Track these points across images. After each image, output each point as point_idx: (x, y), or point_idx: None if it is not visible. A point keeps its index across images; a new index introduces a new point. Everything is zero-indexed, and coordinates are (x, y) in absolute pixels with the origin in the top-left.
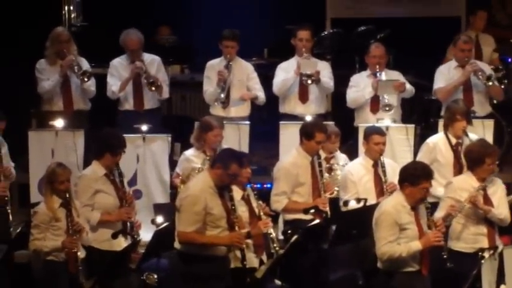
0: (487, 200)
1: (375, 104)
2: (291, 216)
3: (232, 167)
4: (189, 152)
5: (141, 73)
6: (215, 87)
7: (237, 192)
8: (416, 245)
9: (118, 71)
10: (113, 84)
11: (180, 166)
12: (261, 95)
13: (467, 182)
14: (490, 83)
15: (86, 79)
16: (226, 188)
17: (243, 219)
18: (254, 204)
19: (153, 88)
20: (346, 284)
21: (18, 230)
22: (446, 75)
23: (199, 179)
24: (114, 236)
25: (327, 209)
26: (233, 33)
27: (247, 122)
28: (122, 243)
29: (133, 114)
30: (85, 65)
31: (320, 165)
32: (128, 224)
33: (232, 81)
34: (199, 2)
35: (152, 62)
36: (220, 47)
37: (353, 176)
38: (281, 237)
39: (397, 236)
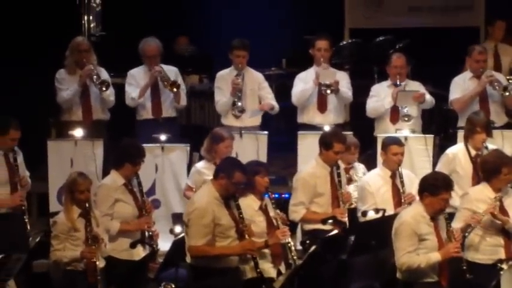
0: (504, 211)
1: (395, 114)
2: (309, 227)
3: (236, 176)
4: (200, 165)
5: (160, 77)
6: (229, 97)
7: (254, 202)
8: (436, 256)
9: (136, 79)
10: (132, 92)
11: (192, 179)
12: (275, 104)
13: (484, 193)
14: (507, 94)
15: (104, 89)
16: (232, 198)
17: (261, 229)
18: (272, 213)
19: (174, 89)
20: None
21: (37, 240)
22: (461, 86)
23: (203, 191)
24: (133, 245)
25: (346, 219)
26: (243, 43)
27: (265, 132)
28: (140, 252)
29: (151, 123)
30: (104, 75)
31: (339, 175)
32: (147, 233)
33: (245, 91)
34: (217, 13)
35: (170, 72)
36: (231, 57)
37: (371, 186)
38: (299, 247)
39: (416, 246)
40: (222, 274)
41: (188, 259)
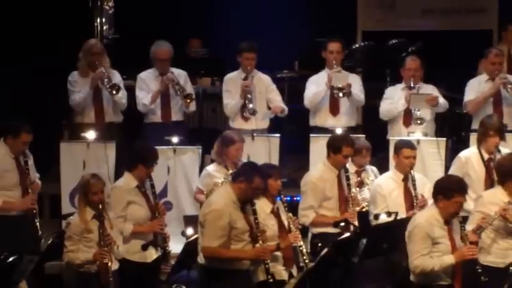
0: None
1: (408, 117)
2: (318, 230)
3: (255, 181)
4: (211, 168)
5: (173, 85)
6: (237, 100)
7: (266, 205)
8: (450, 259)
9: (146, 84)
10: (143, 97)
11: (202, 182)
12: (285, 107)
13: (498, 196)
14: None
15: (114, 92)
16: (249, 202)
17: (272, 233)
18: (284, 217)
19: (188, 101)
20: None
21: (49, 241)
22: (476, 88)
23: (221, 193)
24: (144, 247)
25: (355, 222)
26: (252, 45)
27: (277, 135)
28: (152, 254)
29: (160, 127)
30: (117, 77)
31: (348, 178)
32: (159, 235)
33: (253, 94)
34: (229, 15)
35: (179, 75)
36: (239, 60)
37: (383, 190)
38: (309, 250)
39: (429, 249)
40: (234, 276)
41: (200, 259)
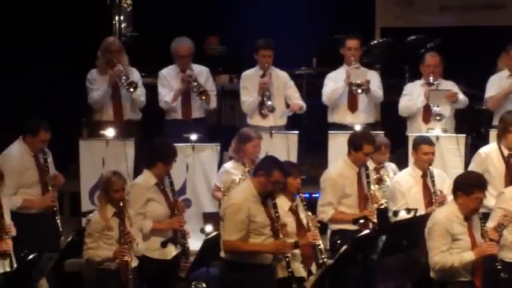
0: None
1: (427, 113)
2: (337, 227)
3: (275, 174)
4: (228, 165)
5: (191, 82)
6: (255, 97)
7: (285, 203)
8: (470, 255)
9: (168, 81)
10: (165, 95)
11: (220, 179)
12: (303, 104)
13: None
14: None
15: (132, 90)
16: (270, 196)
17: (291, 230)
18: (302, 215)
19: (203, 97)
20: None
21: (69, 239)
22: (497, 85)
23: (242, 187)
24: (164, 244)
25: (375, 219)
26: (269, 42)
27: (296, 132)
28: (172, 252)
29: (181, 124)
30: (135, 75)
31: (368, 176)
32: (178, 232)
33: (271, 91)
34: (247, 12)
35: (201, 72)
36: (256, 57)
37: (401, 186)
38: (329, 247)
39: (449, 245)
40: (256, 270)
41: (222, 254)
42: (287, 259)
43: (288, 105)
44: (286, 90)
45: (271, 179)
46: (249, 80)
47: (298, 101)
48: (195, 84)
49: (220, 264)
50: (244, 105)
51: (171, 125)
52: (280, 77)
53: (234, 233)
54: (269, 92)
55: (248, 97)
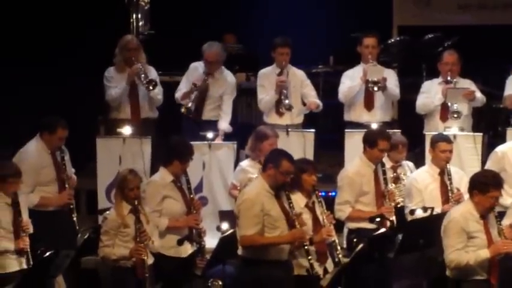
0: None
1: (445, 112)
2: (354, 225)
3: (283, 165)
4: (245, 163)
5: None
6: (272, 95)
7: (301, 200)
8: (485, 253)
9: (192, 75)
10: (180, 90)
11: (237, 177)
12: (319, 102)
13: None
14: None
15: (151, 88)
16: (282, 188)
17: (306, 227)
18: (318, 211)
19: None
20: None
21: (85, 236)
22: None
23: (254, 184)
24: (180, 242)
25: (393, 217)
26: (286, 40)
27: (312, 130)
28: (188, 249)
29: (196, 123)
30: (153, 73)
31: (384, 173)
32: (194, 230)
33: (288, 89)
34: (265, 11)
35: (224, 81)
36: (273, 55)
37: (418, 184)
38: (345, 245)
39: (465, 244)
40: (273, 266)
41: (240, 251)
42: (305, 247)
43: (304, 104)
44: (302, 88)
45: (281, 169)
46: (266, 78)
47: (314, 99)
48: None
49: (237, 261)
50: (261, 103)
51: (187, 122)
52: (297, 75)
53: (250, 228)
54: (286, 90)
55: (265, 95)
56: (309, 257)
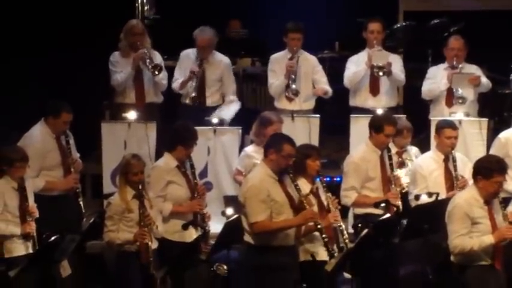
0: None
1: (450, 97)
2: (361, 211)
3: (285, 148)
4: (249, 149)
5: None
6: (282, 80)
7: (305, 185)
8: (489, 239)
9: (184, 64)
10: (176, 80)
11: (241, 163)
12: (329, 89)
13: None
14: None
15: (156, 72)
16: (285, 172)
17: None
18: (323, 197)
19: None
20: (416, 278)
21: (91, 221)
22: None
23: (256, 170)
24: (185, 227)
25: (399, 202)
26: (298, 26)
27: (317, 115)
28: (192, 234)
29: (195, 109)
30: (158, 58)
31: (390, 158)
32: (199, 215)
33: (299, 74)
34: None
35: (219, 63)
36: (285, 40)
37: (423, 170)
38: (351, 231)
39: (469, 229)
40: (279, 252)
41: (247, 238)
42: (318, 226)
43: None
44: (314, 74)
45: (282, 153)
46: (277, 63)
47: (324, 86)
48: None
49: (243, 247)
50: (271, 88)
51: (184, 108)
52: (309, 61)
53: (260, 214)
54: (295, 75)
55: (275, 80)
56: (323, 236)
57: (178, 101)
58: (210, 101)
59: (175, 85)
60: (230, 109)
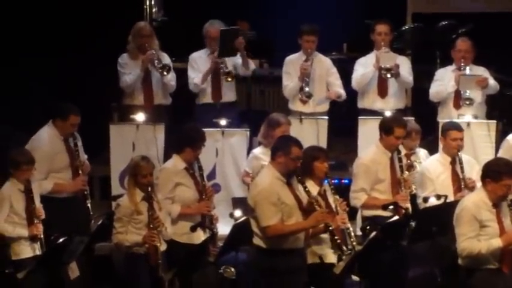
0: None
1: (458, 99)
2: (369, 213)
3: (293, 151)
4: (258, 150)
5: (219, 64)
6: (296, 82)
7: (313, 188)
8: (497, 242)
9: (197, 64)
10: (195, 77)
11: (249, 165)
12: (342, 92)
13: None
14: None
15: (165, 73)
16: (293, 175)
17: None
18: (331, 199)
19: (229, 79)
20: (424, 281)
21: (99, 223)
22: None
23: (264, 173)
24: (193, 229)
25: (408, 205)
26: (313, 28)
27: (326, 117)
28: (200, 236)
29: (211, 108)
30: (166, 59)
31: (400, 160)
32: (207, 217)
33: (313, 77)
34: None
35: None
36: (300, 42)
37: (430, 173)
38: (359, 233)
39: (477, 232)
40: (288, 255)
41: (256, 241)
42: (330, 228)
43: None
44: (328, 76)
45: (291, 156)
46: (292, 65)
47: (338, 89)
48: (222, 65)
49: (253, 250)
50: (285, 90)
51: (201, 109)
52: (323, 63)
53: (272, 217)
54: (308, 77)
55: (290, 82)
56: (336, 238)
57: (188, 102)
58: (225, 98)
59: (197, 80)
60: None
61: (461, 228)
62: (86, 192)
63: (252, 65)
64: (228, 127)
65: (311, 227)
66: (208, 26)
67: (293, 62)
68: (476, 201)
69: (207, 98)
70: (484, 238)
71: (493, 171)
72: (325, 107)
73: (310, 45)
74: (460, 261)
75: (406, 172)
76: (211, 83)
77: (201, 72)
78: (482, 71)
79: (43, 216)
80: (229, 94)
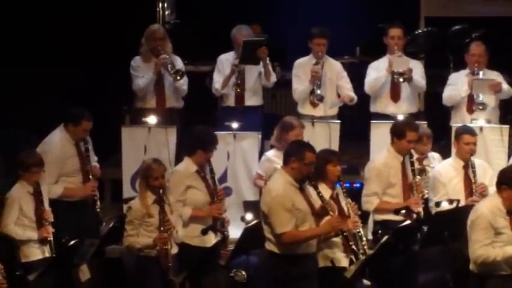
0: None
1: (471, 104)
2: (381, 217)
3: (307, 156)
4: (270, 153)
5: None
6: (306, 85)
7: (325, 191)
8: None
9: (223, 66)
10: (217, 81)
11: (262, 167)
12: (354, 96)
13: None
14: None
15: (178, 78)
16: (306, 180)
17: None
18: (343, 203)
19: (238, 90)
20: (435, 286)
21: (110, 225)
22: None
23: (277, 178)
24: (204, 232)
25: (420, 209)
26: (323, 31)
27: (338, 121)
28: (212, 239)
29: (234, 110)
30: (179, 63)
31: (412, 164)
32: (218, 220)
33: (323, 80)
34: (292, 1)
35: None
36: (310, 45)
37: (442, 177)
38: (371, 237)
39: (492, 239)
40: (300, 260)
41: (269, 246)
42: (344, 233)
43: (339, 96)
44: (338, 80)
45: (305, 161)
46: (301, 68)
47: (349, 92)
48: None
49: (265, 255)
50: (295, 93)
51: (223, 111)
52: (334, 67)
53: (287, 224)
54: (319, 81)
55: (300, 85)
56: (350, 243)
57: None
58: (248, 102)
59: (217, 86)
60: None
61: (477, 235)
62: (95, 198)
63: (274, 77)
64: (239, 130)
65: (327, 233)
66: (236, 31)
67: (303, 66)
68: (491, 208)
69: (230, 101)
70: (498, 245)
71: (508, 178)
72: (335, 110)
73: (321, 49)
74: (471, 267)
75: (418, 176)
76: (235, 88)
77: (225, 75)
78: (495, 76)
79: (51, 220)
80: (254, 98)
